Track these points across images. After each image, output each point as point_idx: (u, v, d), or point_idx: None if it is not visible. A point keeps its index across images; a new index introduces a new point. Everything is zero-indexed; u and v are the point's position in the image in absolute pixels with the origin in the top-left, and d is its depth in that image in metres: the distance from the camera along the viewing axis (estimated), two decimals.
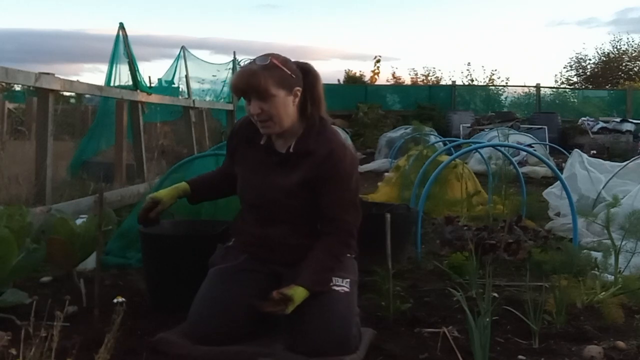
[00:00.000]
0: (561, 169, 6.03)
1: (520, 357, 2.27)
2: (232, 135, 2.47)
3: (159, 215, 2.45)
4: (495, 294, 2.89)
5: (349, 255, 2.33)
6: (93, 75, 61.50)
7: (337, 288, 2.21)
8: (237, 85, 2.19)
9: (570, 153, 6.59)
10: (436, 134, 10.53)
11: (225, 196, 2.66)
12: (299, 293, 2.10)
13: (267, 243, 2.31)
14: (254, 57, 2.23)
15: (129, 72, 6.67)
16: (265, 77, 2.12)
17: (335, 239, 2.24)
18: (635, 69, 30.26)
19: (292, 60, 2.28)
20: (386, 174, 8.11)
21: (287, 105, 2.19)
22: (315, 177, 2.21)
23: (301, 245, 2.24)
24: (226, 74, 12.13)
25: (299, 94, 2.21)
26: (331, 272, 2.22)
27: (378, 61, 22.99)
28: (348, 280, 2.27)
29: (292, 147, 2.25)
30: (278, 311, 2.07)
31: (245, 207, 2.42)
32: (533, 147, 8.23)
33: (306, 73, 2.25)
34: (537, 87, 19.57)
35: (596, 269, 3.06)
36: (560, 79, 31.66)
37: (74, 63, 49.25)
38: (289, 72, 2.19)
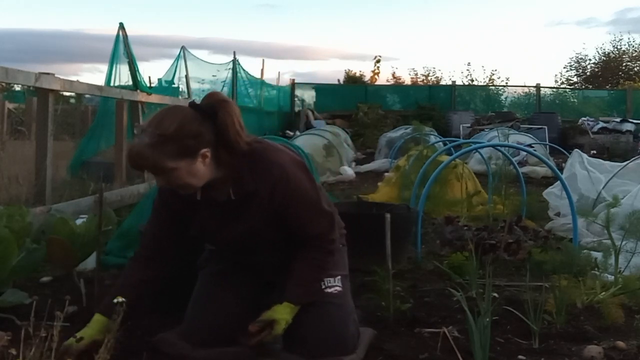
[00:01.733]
0: (561, 169, 6.03)
1: (520, 357, 2.27)
2: (163, 205, 2.18)
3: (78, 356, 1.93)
4: (495, 294, 2.89)
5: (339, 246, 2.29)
6: (92, 75, 61.62)
7: (329, 290, 2.20)
8: (130, 164, 1.96)
9: (570, 153, 6.59)
10: (436, 134, 10.54)
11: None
12: (281, 311, 2.07)
13: (248, 266, 2.29)
14: (142, 131, 1.91)
15: (129, 72, 6.67)
16: (155, 156, 1.87)
17: (316, 251, 2.17)
18: (635, 69, 30.25)
19: (210, 92, 2.06)
20: (386, 174, 8.11)
21: (195, 170, 1.94)
22: (272, 211, 2.07)
23: (284, 261, 2.20)
24: (226, 74, 12.16)
25: (208, 154, 1.95)
26: (317, 282, 2.19)
27: (378, 61, 23.06)
28: (339, 277, 2.25)
29: (232, 194, 2.06)
30: (266, 337, 2.03)
31: None
32: (533, 147, 8.22)
33: (214, 113, 1.95)
34: (537, 87, 19.59)
35: (596, 269, 3.06)
36: (560, 79, 31.67)
37: (72, 63, 49.29)
38: (188, 138, 1.90)
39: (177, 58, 9.96)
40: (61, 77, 4.83)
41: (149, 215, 2.30)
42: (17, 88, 12.33)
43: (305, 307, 2.12)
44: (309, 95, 19.53)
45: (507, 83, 25.24)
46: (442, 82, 26.86)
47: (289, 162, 2.09)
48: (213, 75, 12.08)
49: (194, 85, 10.14)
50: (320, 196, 2.17)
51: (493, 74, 27.77)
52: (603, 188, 5.07)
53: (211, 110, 1.96)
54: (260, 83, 15.71)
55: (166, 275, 2.22)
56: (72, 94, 11.03)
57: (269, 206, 2.06)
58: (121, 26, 6.58)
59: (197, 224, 2.17)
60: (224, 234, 2.15)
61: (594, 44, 62.15)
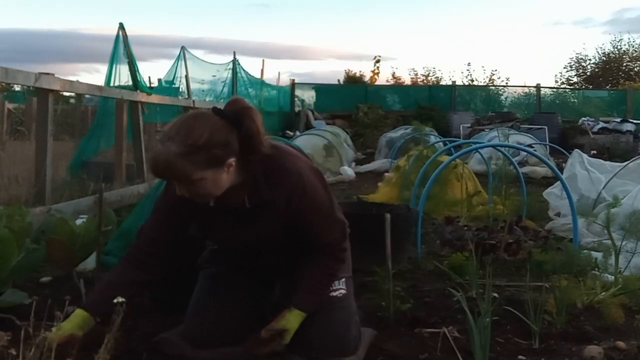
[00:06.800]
0: (561, 169, 6.03)
1: (520, 357, 2.27)
2: (168, 209, 2.11)
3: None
4: (495, 294, 2.89)
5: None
6: (90, 75, 61.58)
7: (334, 293, 2.20)
8: (154, 172, 1.90)
9: (570, 153, 6.59)
10: (436, 134, 10.54)
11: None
12: (292, 320, 2.06)
13: (254, 267, 2.28)
14: (164, 137, 1.84)
15: (128, 73, 6.67)
16: (185, 166, 1.80)
17: (327, 259, 2.16)
18: (635, 69, 30.24)
19: (230, 100, 1.96)
20: (386, 174, 8.11)
21: (219, 179, 1.89)
22: (287, 219, 2.06)
23: (289, 263, 2.21)
24: (226, 74, 12.15)
25: (233, 163, 1.90)
26: (327, 290, 2.18)
27: (378, 61, 23.06)
28: (343, 279, 2.25)
29: (247, 202, 2.02)
30: (275, 345, 2.03)
31: None
32: (533, 147, 8.22)
33: (240, 121, 1.89)
34: (537, 87, 19.58)
35: (596, 269, 3.06)
36: (561, 79, 31.64)
37: (69, 63, 48.96)
38: (218, 148, 1.84)
39: (178, 58, 9.94)
40: (61, 77, 4.84)
41: (149, 215, 2.29)
42: (17, 88, 12.33)
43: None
44: (308, 96, 19.52)
45: (507, 83, 25.25)
46: (442, 82, 26.84)
47: (306, 170, 2.07)
48: (213, 76, 12.07)
49: (194, 86, 10.12)
50: (333, 204, 2.15)
51: (493, 74, 27.77)
52: (603, 188, 5.07)
53: (236, 118, 1.89)
54: (261, 83, 15.72)
55: (158, 278, 2.17)
56: (72, 94, 11.04)
57: (284, 214, 2.04)
58: (121, 26, 6.58)
59: (205, 228, 2.16)
60: (234, 239, 2.13)
61: (592, 44, 62.29)
